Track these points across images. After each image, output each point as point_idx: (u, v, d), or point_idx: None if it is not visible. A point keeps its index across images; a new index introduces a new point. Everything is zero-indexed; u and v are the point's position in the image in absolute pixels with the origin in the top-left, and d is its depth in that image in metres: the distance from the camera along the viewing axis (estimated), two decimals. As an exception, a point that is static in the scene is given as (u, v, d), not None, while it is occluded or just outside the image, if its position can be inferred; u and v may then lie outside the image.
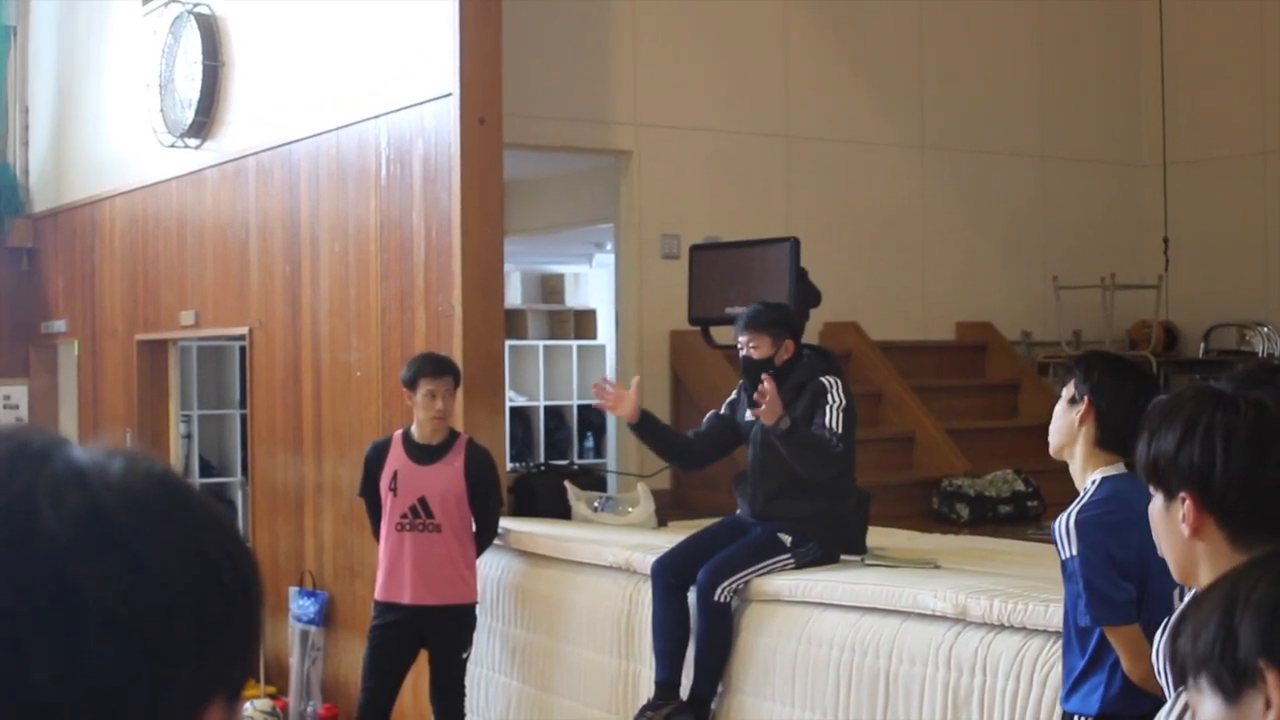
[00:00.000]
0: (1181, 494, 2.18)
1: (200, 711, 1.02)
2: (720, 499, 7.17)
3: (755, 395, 5.59)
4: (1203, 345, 11.23)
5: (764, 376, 5.61)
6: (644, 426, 6.11)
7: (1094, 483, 3.69)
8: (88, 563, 0.98)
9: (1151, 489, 2.27)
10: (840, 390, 5.79)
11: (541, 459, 12.43)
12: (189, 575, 1.01)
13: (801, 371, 5.86)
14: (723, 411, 6.15)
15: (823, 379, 5.82)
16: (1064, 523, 3.68)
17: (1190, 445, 2.16)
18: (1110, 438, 3.69)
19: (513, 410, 13.07)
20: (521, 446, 13.15)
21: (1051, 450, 3.86)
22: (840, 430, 5.72)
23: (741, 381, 6.10)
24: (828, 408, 5.74)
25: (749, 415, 5.90)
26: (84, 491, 1.00)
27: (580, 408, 13.64)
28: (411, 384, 6.67)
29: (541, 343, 13.61)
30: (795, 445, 5.65)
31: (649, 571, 6.05)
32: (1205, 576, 2.13)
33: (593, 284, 14.08)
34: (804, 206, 9.83)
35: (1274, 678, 1.50)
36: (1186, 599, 1.75)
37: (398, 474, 6.73)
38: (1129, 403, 3.64)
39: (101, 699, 0.97)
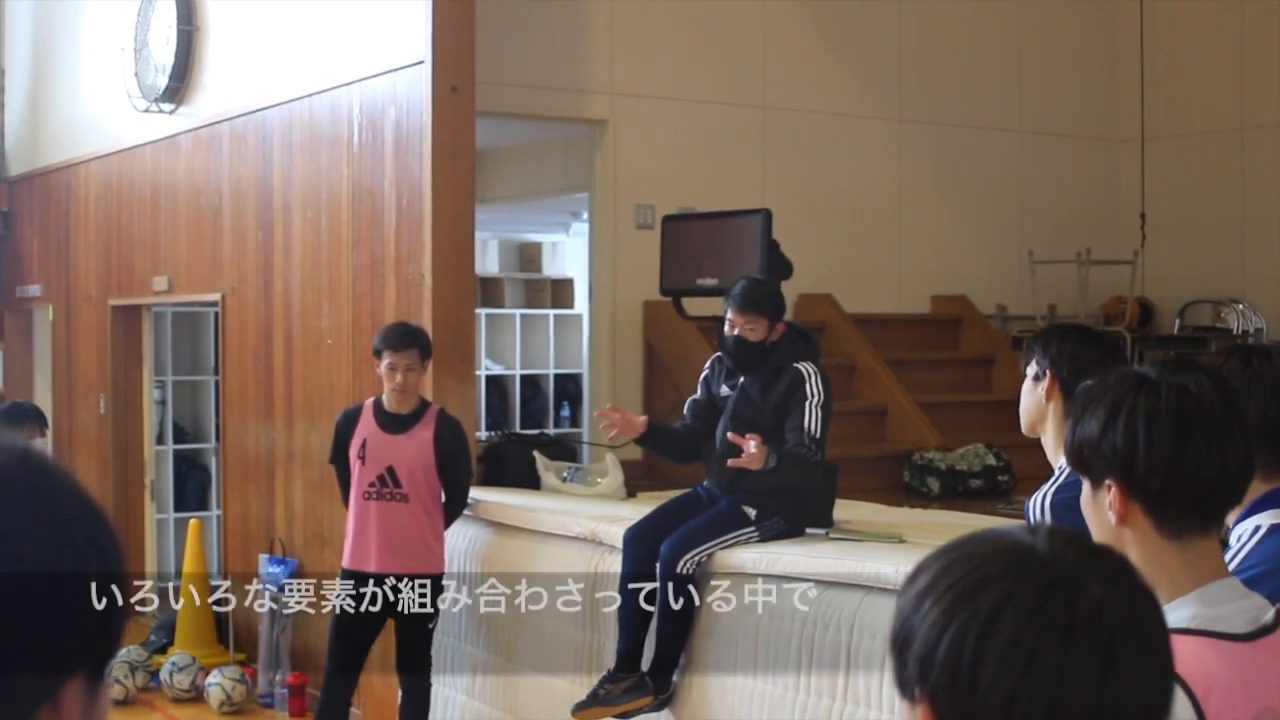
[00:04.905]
0: (1107, 481, 2.16)
1: (57, 686, 1.02)
2: (689, 471, 7.14)
3: (744, 459, 5.37)
4: (1178, 321, 11.23)
5: (748, 438, 5.38)
6: (651, 437, 5.98)
7: None
8: None
9: (1080, 477, 2.24)
10: (818, 382, 5.69)
11: (517, 428, 12.41)
12: (46, 549, 1.02)
13: (782, 353, 5.80)
14: (699, 396, 6.05)
15: (800, 366, 5.71)
16: (1039, 503, 3.58)
17: (1113, 431, 2.13)
18: None
19: (489, 379, 13.06)
20: (498, 416, 13.13)
21: (1024, 430, 3.78)
22: (818, 431, 5.63)
23: (717, 355, 6.00)
24: (806, 404, 5.64)
25: (727, 437, 5.80)
26: None
27: (556, 377, 13.62)
28: (378, 354, 6.67)
29: (518, 311, 13.58)
30: (784, 473, 5.55)
31: (617, 542, 6.04)
32: (1135, 564, 2.11)
33: (570, 253, 14.05)
34: (780, 178, 9.80)
35: (925, 711, 1.41)
36: None
37: (366, 442, 6.71)
38: (1093, 369, 3.33)
39: None
